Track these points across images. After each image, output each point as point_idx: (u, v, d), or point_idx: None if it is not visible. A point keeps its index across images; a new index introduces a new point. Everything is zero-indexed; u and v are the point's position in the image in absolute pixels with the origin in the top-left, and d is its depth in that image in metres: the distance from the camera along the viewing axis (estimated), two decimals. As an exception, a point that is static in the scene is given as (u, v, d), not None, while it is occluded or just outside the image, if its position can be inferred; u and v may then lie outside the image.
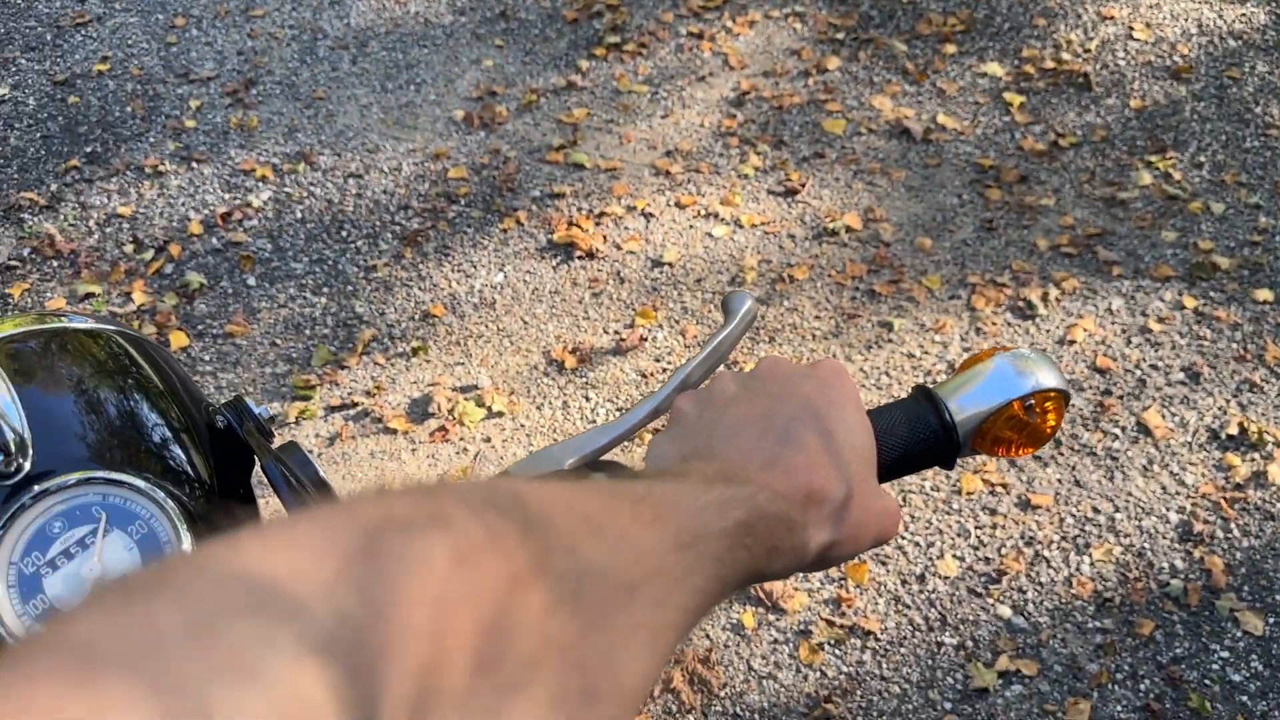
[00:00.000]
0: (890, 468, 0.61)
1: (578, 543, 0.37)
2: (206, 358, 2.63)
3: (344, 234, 2.92)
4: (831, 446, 0.53)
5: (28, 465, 0.65)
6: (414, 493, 0.35)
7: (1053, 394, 0.63)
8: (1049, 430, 0.64)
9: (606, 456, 0.70)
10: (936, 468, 0.65)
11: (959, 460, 0.64)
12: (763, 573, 0.48)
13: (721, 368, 0.71)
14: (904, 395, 0.65)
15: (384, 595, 0.29)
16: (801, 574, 2.13)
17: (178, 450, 0.73)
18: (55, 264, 2.88)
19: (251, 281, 2.80)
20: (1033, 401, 0.63)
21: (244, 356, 2.63)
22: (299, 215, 2.97)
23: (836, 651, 2.05)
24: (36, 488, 0.64)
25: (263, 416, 0.79)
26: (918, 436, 0.62)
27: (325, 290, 2.78)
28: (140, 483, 0.66)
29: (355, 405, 2.51)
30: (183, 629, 0.26)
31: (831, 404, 0.56)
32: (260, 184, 3.06)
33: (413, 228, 2.92)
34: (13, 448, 0.65)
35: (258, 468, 0.80)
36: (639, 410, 0.72)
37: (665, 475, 0.50)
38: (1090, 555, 2.17)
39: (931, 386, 0.64)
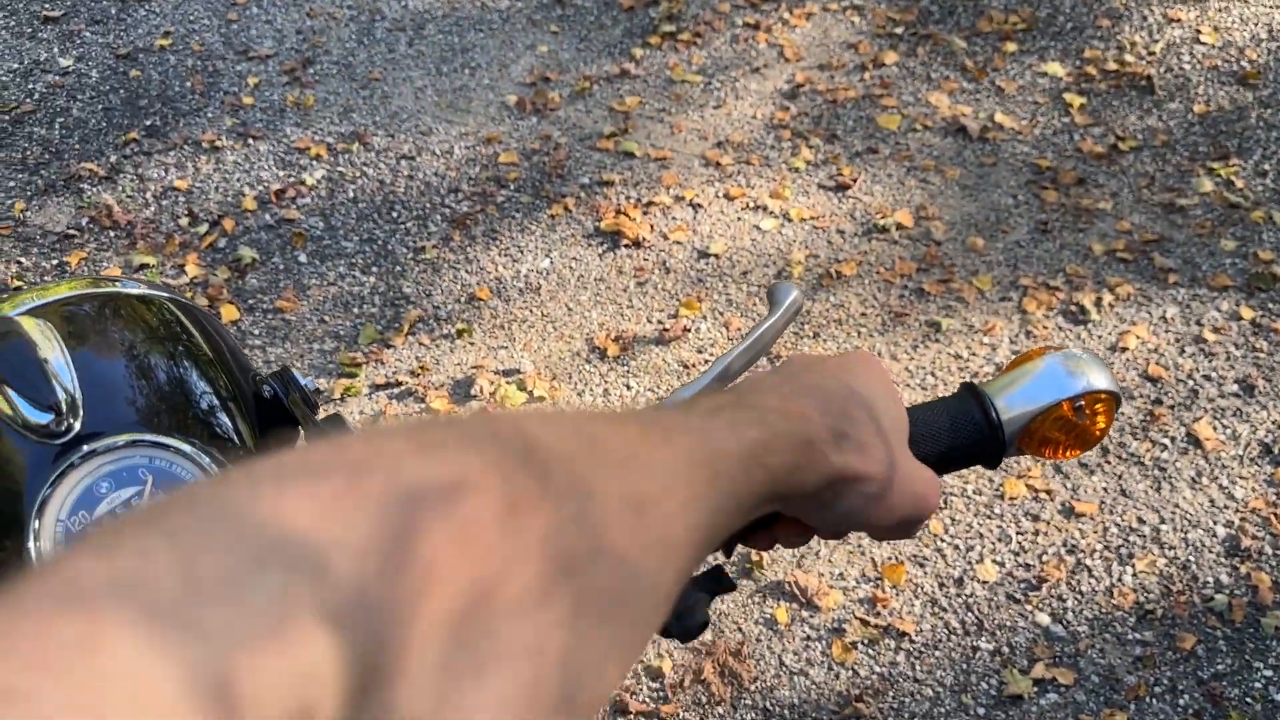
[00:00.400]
0: (933, 464, 0.61)
1: (580, 464, 0.36)
2: (256, 332, 2.67)
3: (394, 215, 2.95)
4: (855, 396, 0.52)
5: (78, 425, 0.67)
6: (410, 428, 0.34)
7: (1103, 396, 0.61)
8: (1098, 432, 0.62)
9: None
10: (980, 467, 0.64)
11: (1003, 460, 0.63)
12: (785, 494, 0.47)
13: (763, 362, 0.71)
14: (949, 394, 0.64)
15: (370, 530, 0.29)
16: (831, 545, 2.12)
17: (224, 417, 0.74)
18: (112, 234, 2.94)
19: (303, 258, 2.84)
20: (1083, 403, 0.61)
21: (293, 332, 2.67)
22: (351, 194, 3.00)
23: (870, 651, 2.04)
24: (85, 448, 0.66)
25: (308, 388, 0.80)
26: (962, 433, 0.61)
27: (374, 269, 2.80)
28: (186, 447, 0.67)
29: (400, 384, 2.53)
30: (173, 559, 0.26)
31: (861, 379, 0.55)
32: (314, 163, 3.09)
33: (462, 211, 2.94)
34: (64, 408, 0.66)
35: (301, 439, 0.81)
36: (674, 400, 0.72)
37: (675, 408, 0.49)
38: (1133, 566, 2.13)
39: (979, 383, 0.63)
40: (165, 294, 0.82)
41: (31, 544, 0.64)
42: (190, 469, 0.67)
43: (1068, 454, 0.63)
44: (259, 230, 2.91)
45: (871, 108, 3.15)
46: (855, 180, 2.93)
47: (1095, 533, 2.19)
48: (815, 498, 0.50)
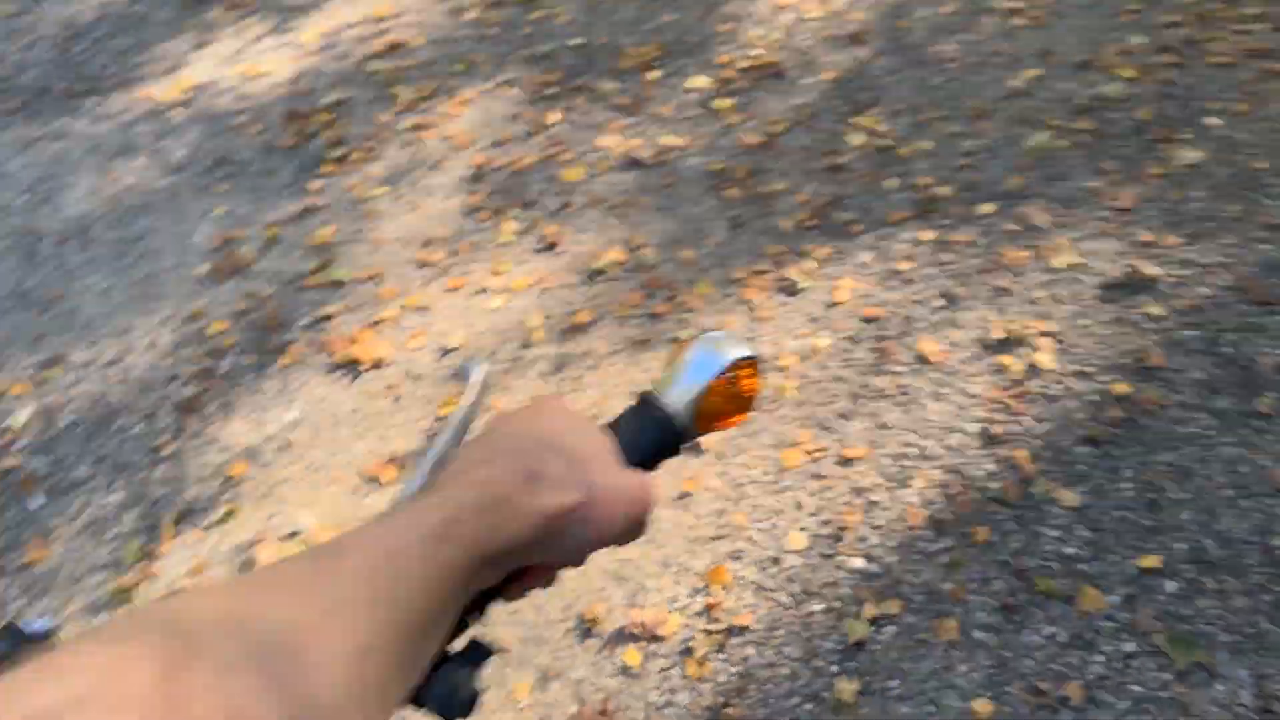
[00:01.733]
0: (644, 465, 0.67)
1: (238, 612, 0.40)
2: (13, 593, 2.47)
3: (118, 424, 2.81)
4: (544, 440, 0.59)
5: None
6: (97, 630, 0.38)
7: (744, 363, 0.70)
8: (751, 393, 0.71)
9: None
10: (677, 456, 0.71)
11: (690, 441, 0.71)
12: (498, 551, 0.52)
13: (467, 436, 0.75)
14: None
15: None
16: (655, 574, 2.18)
17: None
18: None
19: (39, 502, 2.65)
20: (731, 374, 0.70)
21: (51, 581, 2.48)
22: (68, 420, 2.84)
23: (721, 656, 2.11)
24: None
25: (39, 631, 0.78)
26: (648, 434, 0.68)
27: (116, 486, 2.66)
28: None
29: (182, 590, 2.41)
30: None
31: (546, 422, 0.61)
32: (17, 402, 2.90)
33: (187, 395, 2.84)
34: None
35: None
36: (399, 500, 0.76)
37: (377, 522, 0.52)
38: (914, 485, 2.31)
39: (649, 389, 0.71)
40: None
41: None
42: None
43: (736, 420, 0.71)
44: (-22, 490, 2.70)
45: (553, 167, 3.29)
46: (561, 237, 3.05)
47: (872, 470, 2.36)
48: (538, 542, 0.55)
